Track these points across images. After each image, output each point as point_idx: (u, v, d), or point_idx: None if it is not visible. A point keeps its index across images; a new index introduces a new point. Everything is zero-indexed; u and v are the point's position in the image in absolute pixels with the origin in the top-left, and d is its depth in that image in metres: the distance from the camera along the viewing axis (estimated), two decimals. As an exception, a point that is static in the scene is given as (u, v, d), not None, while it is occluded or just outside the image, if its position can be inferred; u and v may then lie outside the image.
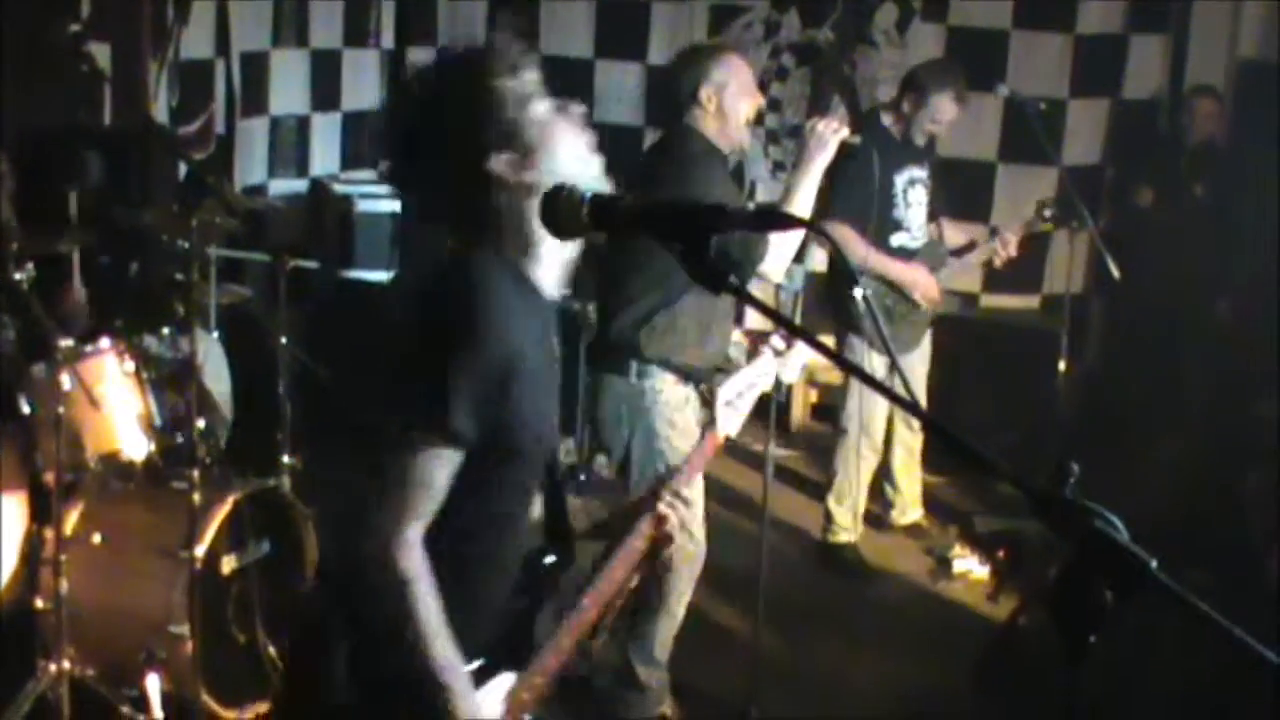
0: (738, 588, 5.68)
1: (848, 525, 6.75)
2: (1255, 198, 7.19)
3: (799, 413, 8.63)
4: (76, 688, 4.57)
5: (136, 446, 4.84)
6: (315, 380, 6.46)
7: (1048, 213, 6.58)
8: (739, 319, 5.21)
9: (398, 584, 2.45)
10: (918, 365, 6.73)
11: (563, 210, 2.20)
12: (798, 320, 6.58)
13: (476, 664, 2.62)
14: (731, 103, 4.79)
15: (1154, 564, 1.51)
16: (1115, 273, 6.40)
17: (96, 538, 4.73)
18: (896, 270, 6.36)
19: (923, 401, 6.74)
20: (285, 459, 5.55)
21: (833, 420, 6.92)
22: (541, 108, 2.60)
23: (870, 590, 6.57)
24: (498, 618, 2.73)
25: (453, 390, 2.44)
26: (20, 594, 4.70)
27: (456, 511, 2.53)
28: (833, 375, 8.05)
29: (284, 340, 5.63)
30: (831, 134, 4.67)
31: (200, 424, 4.89)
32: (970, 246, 6.77)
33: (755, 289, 4.44)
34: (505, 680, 2.70)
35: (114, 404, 4.78)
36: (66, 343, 4.62)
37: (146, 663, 4.58)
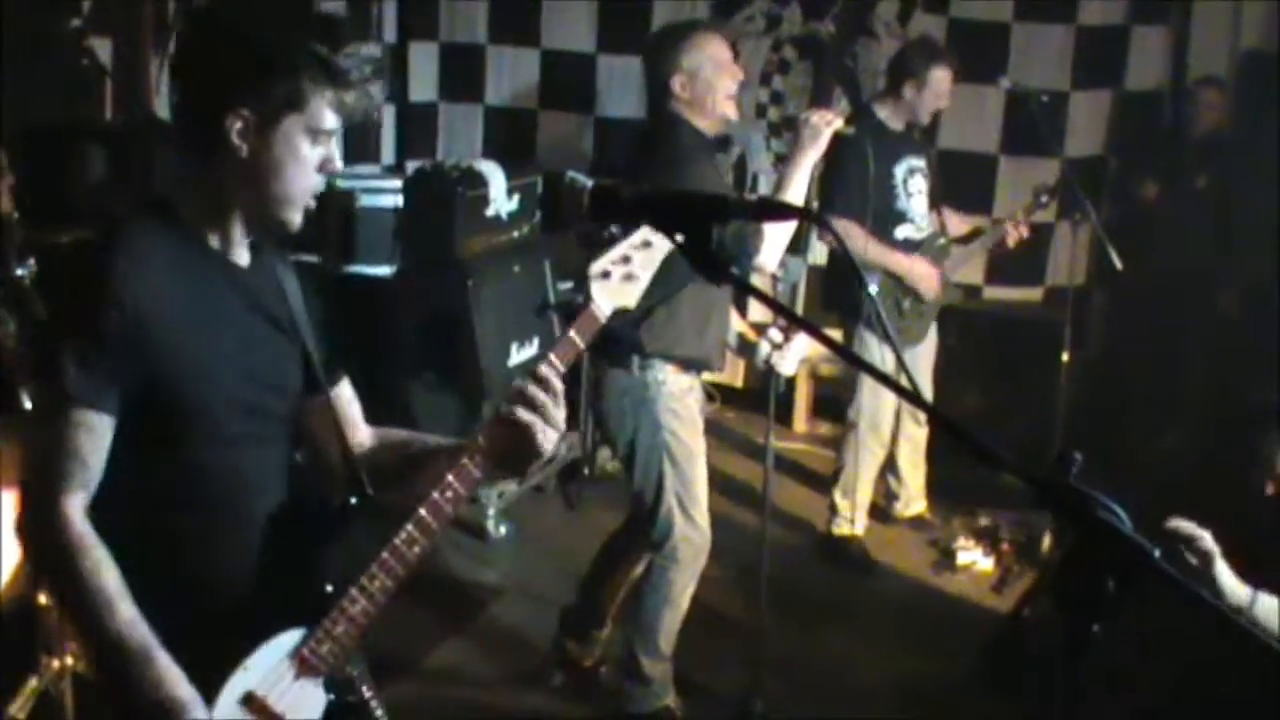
0: (740, 580, 5.69)
1: (853, 518, 6.76)
2: (1257, 189, 7.18)
3: (801, 405, 8.63)
4: (79, 683, 4.56)
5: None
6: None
7: (1044, 199, 6.60)
8: (742, 310, 5.20)
9: (56, 557, 2.42)
10: (924, 358, 6.74)
11: (563, 199, 2.18)
12: (797, 311, 6.57)
13: (256, 617, 2.58)
14: (706, 87, 4.74)
15: (1156, 553, 1.51)
16: (1117, 264, 6.40)
17: (99, 533, 4.72)
18: (897, 261, 6.36)
19: (929, 394, 6.75)
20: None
21: (834, 413, 6.93)
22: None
23: (874, 582, 6.57)
24: (259, 576, 2.63)
25: (63, 350, 2.42)
26: (23, 589, 4.69)
27: (145, 476, 2.51)
28: (833, 367, 8.05)
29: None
30: (825, 125, 4.66)
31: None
32: (975, 234, 6.77)
33: (755, 280, 4.44)
34: (290, 637, 2.60)
35: (116, 399, 4.76)
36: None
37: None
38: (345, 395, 2.93)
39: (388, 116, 8.95)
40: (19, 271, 4.65)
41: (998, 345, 7.71)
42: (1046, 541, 6.56)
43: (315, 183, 2.61)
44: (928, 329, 6.69)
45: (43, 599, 4.62)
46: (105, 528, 2.46)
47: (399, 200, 7.16)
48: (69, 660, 4.51)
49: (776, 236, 4.63)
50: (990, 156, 8.25)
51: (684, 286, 4.65)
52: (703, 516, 4.91)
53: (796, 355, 4.80)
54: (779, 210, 2.87)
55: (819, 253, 7.33)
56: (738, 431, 8.22)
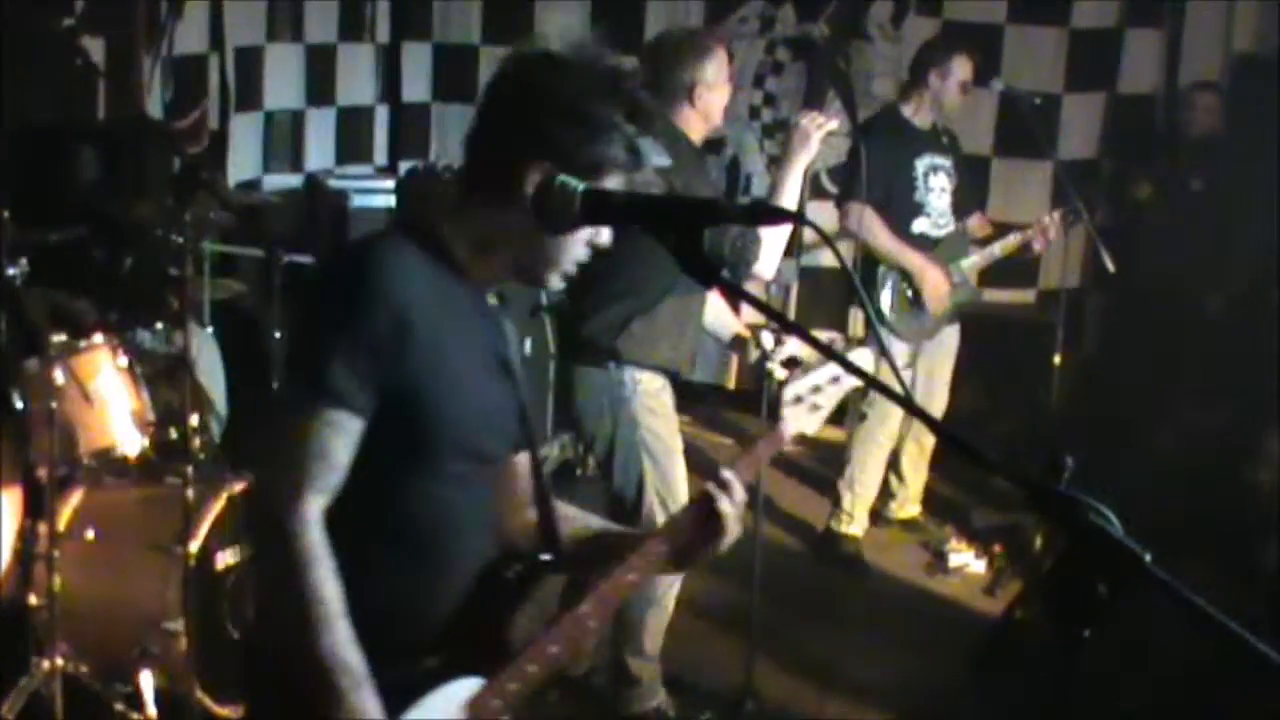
0: (733, 579, 5.68)
1: (856, 516, 6.75)
2: (1251, 192, 7.19)
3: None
4: (70, 684, 4.56)
5: (130, 442, 4.83)
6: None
7: (1070, 216, 6.60)
8: (736, 311, 5.20)
9: (286, 561, 2.34)
10: (943, 361, 6.74)
11: (555, 203, 2.17)
12: (791, 314, 6.59)
13: (437, 660, 2.54)
14: (719, 98, 4.77)
15: (1148, 557, 1.51)
16: (1110, 266, 6.41)
17: (90, 533, 4.71)
18: (910, 259, 6.39)
19: (943, 398, 6.75)
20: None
21: (831, 417, 6.88)
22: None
23: (866, 584, 6.57)
24: (449, 619, 2.60)
25: (326, 345, 2.37)
26: (14, 590, 4.69)
27: (363, 496, 2.42)
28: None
29: (278, 335, 5.61)
30: (816, 129, 4.67)
31: (194, 419, 4.88)
32: (998, 234, 6.76)
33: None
34: (466, 685, 2.56)
35: (107, 399, 4.77)
36: (59, 338, 4.62)
37: (140, 659, 4.58)
38: (529, 461, 2.86)
39: (380, 116, 8.94)
40: (10, 271, 4.65)
41: (991, 347, 7.71)
42: (1039, 545, 6.56)
43: (582, 254, 2.57)
44: (944, 324, 6.68)
45: (33, 599, 4.63)
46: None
47: (392, 200, 7.16)
48: (59, 661, 4.51)
49: (773, 244, 4.64)
50: (983, 159, 8.25)
51: (664, 298, 4.66)
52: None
53: (787, 355, 4.80)
54: (772, 215, 2.88)
55: (823, 258, 7.35)
56: (730, 431, 8.22)
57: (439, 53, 9.02)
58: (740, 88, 7.37)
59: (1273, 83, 7.40)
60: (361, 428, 2.40)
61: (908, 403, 1.90)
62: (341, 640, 2.33)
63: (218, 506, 4.70)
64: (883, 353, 2.36)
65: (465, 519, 2.62)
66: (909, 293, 6.43)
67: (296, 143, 8.29)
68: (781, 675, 5.39)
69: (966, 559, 6.72)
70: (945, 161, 6.52)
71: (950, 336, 6.79)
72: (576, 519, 2.87)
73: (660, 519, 4.81)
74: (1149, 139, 8.20)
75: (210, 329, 5.99)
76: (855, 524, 6.76)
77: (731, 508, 2.72)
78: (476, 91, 8.00)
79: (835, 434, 6.94)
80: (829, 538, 6.81)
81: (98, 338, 4.80)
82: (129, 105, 6.76)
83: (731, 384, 8.58)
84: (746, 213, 2.37)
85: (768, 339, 4.70)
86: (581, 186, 2.17)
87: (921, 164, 6.42)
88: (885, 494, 7.11)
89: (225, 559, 4.78)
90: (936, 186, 6.45)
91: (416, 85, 9.01)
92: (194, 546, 4.57)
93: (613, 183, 2.50)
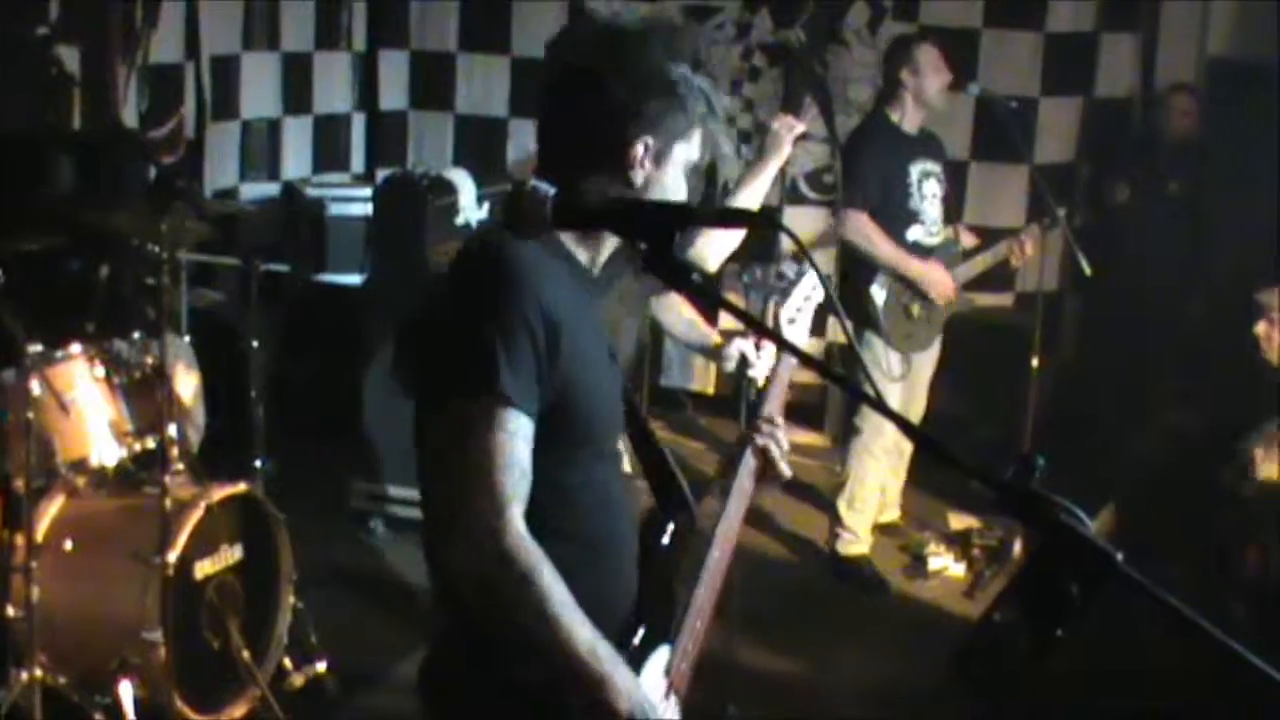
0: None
1: (861, 535, 6.65)
2: (1228, 194, 7.21)
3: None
4: (49, 696, 4.54)
5: (108, 452, 4.82)
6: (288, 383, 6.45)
7: (1046, 220, 6.60)
8: (712, 320, 5.18)
9: (518, 579, 2.28)
10: (926, 367, 6.71)
11: (525, 208, 2.17)
12: (771, 321, 6.54)
13: (638, 638, 2.58)
14: None
15: (1119, 557, 1.51)
16: (1087, 270, 6.42)
17: (68, 544, 4.70)
18: (910, 266, 6.34)
19: (921, 402, 6.72)
20: (258, 463, 5.53)
21: (805, 419, 6.90)
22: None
23: (846, 588, 6.56)
24: (629, 593, 2.63)
25: (494, 353, 2.31)
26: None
27: (543, 495, 2.39)
28: (808, 375, 8.04)
29: (256, 344, 5.60)
30: (787, 133, 4.67)
31: (172, 429, 4.86)
32: (980, 248, 6.76)
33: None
34: (659, 656, 2.62)
35: (84, 409, 4.76)
36: (36, 348, 4.60)
37: (119, 670, 4.57)
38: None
39: (357, 125, 8.94)
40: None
41: (968, 351, 7.72)
42: (1018, 547, 6.57)
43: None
44: (935, 335, 6.65)
45: (11, 611, 4.61)
46: None
47: (369, 209, 7.15)
48: (38, 672, 4.50)
49: (723, 236, 4.61)
50: (960, 163, 8.27)
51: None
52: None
53: (767, 362, 4.79)
54: (740, 218, 2.91)
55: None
56: (706, 438, 8.22)
57: (416, 61, 9.02)
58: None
59: (1248, 85, 7.43)
60: (534, 430, 2.38)
61: (879, 405, 1.90)
62: (589, 627, 2.34)
63: (196, 516, 4.68)
64: (856, 358, 2.38)
65: (619, 503, 2.65)
66: (905, 302, 6.39)
67: (273, 151, 8.29)
68: (763, 680, 5.38)
69: (946, 562, 6.72)
70: (936, 167, 6.49)
71: (935, 347, 6.77)
72: None
73: None
74: (1126, 142, 8.23)
75: (188, 338, 5.95)
76: (861, 543, 6.65)
77: (778, 447, 2.96)
78: (454, 99, 8.00)
79: (810, 438, 6.96)
80: (841, 564, 6.66)
81: (75, 348, 4.78)
82: (104, 114, 6.75)
83: (711, 390, 8.58)
84: (718, 216, 2.38)
85: (747, 346, 4.69)
86: (552, 191, 2.16)
87: (915, 170, 6.38)
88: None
89: (204, 568, 4.77)
90: (929, 193, 6.42)
91: (393, 93, 9.01)
92: (172, 556, 4.56)
93: (704, 140, 2.65)
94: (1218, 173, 7.34)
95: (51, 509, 4.76)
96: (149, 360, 5.01)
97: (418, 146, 9.02)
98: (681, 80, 2.53)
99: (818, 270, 2.39)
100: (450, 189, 6.68)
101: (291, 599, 5.09)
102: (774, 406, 3.08)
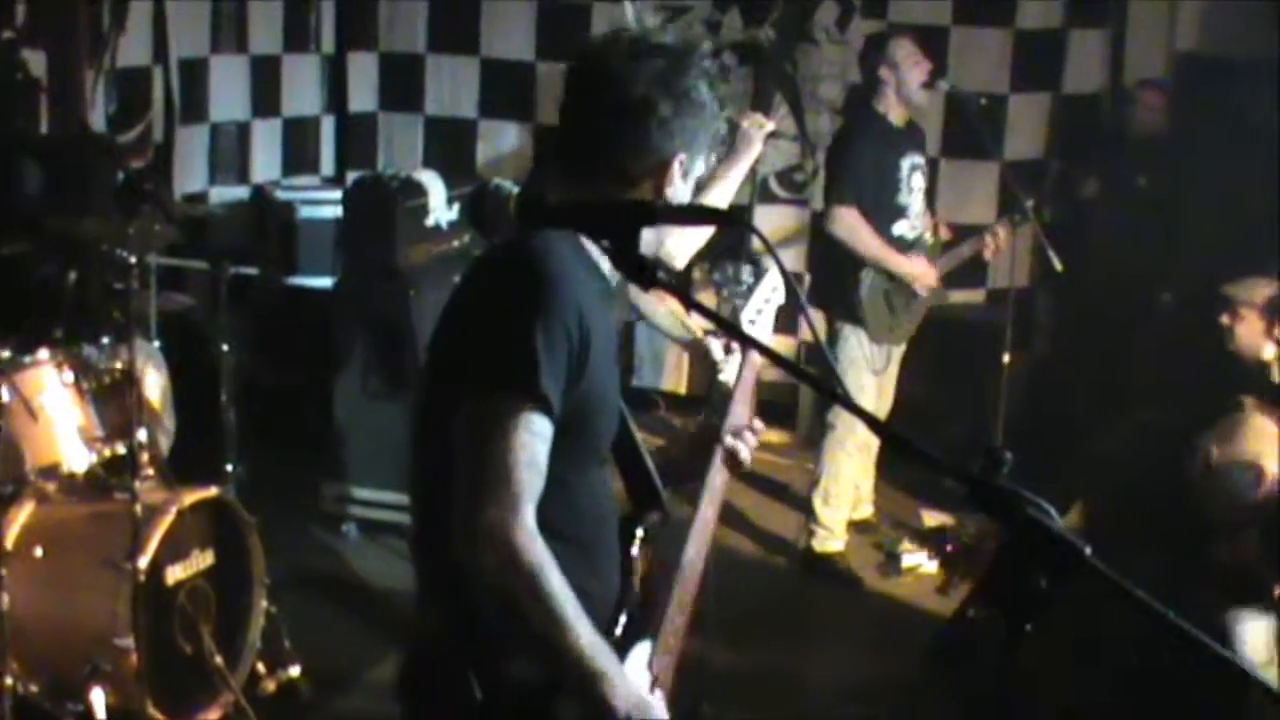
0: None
1: (836, 531, 6.63)
2: (1197, 189, 7.24)
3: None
4: (20, 703, 4.53)
5: (77, 458, 4.80)
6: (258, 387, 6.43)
7: (1016, 216, 6.60)
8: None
9: (527, 577, 2.33)
10: (896, 361, 6.71)
11: (490, 207, 2.17)
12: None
13: (619, 631, 2.63)
14: None
15: (1087, 550, 1.51)
16: (1058, 266, 6.43)
17: (38, 551, 4.67)
18: (896, 261, 6.34)
19: (889, 398, 6.72)
20: (228, 467, 5.51)
21: (776, 417, 6.88)
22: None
23: (819, 586, 6.56)
24: (611, 594, 2.68)
25: (530, 354, 2.36)
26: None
27: (551, 494, 2.42)
28: (778, 373, 8.04)
29: (226, 348, 5.58)
30: (757, 131, 4.67)
31: (142, 434, 4.83)
32: (952, 243, 6.77)
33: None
34: (641, 650, 2.67)
35: (54, 415, 4.73)
36: (3, 354, 4.58)
37: (91, 676, 4.54)
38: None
39: (327, 127, 8.92)
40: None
41: (940, 346, 7.74)
42: (990, 543, 6.57)
43: (696, 236, 2.69)
44: (914, 328, 6.66)
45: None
46: None
47: (339, 211, 7.13)
48: (9, 680, 4.48)
49: (689, 233, 4.61)
50: (930, 159, 8.28)
51: None
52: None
53: (737, 361, 4.78)
54: (705, 216, 2.93)
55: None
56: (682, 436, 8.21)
57: (385, 62, 9.01)
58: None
59: (1216, 80, 7.46)
60: (553, 431, 2.42)
61: (848, 402, 1.90)
62: (591, 628, 2.39)
63: (167, 521, 4.66)
64: (823, 351, 2.39)
65: (608, 506, 2.71)
66: (889, 295, 6.40)
67: (243, 154, 8.27)
68: (737, 679, 5.38)
69: (919, 559, 6.73)
70: (921, 160, 6.51)
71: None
72: None
73: None
74: (1095, 138, 8.26)
75: (157, 343, 5.93)
76: (836, 539, 6.63)
77: (747, 449, 2.97)
78: (423, 101, 7.99)
79: (781, 436, 6.96)
80: (816, 561, 6.63)
81: (43, 353, 4.76)
82: (71, 118, 6.72)
83: (684, 389, 8.58)
84: (683, 214, 2.38)
85: (716, 347, 4.69)
86: (515, 191, 2.17)
87: (905, 164, 6.37)
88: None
89: (175, 574, 4.75)
90: (916, 186, 6.42)
91: (363, 95, 9.00)
92: (143, 562, 4.53)
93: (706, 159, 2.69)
94: (1186, 168, 7.36)
95: (21, 516, 4.73)
96: (118, 365, 4.98)
97: (387, 148, 9.01)
98: (711, 101, 2.62)
99: (783, 269, 2.40)
100: (420, 190, 6.67)
101: (264, 603, 5.07)
102: (745, 411, 3.07)
